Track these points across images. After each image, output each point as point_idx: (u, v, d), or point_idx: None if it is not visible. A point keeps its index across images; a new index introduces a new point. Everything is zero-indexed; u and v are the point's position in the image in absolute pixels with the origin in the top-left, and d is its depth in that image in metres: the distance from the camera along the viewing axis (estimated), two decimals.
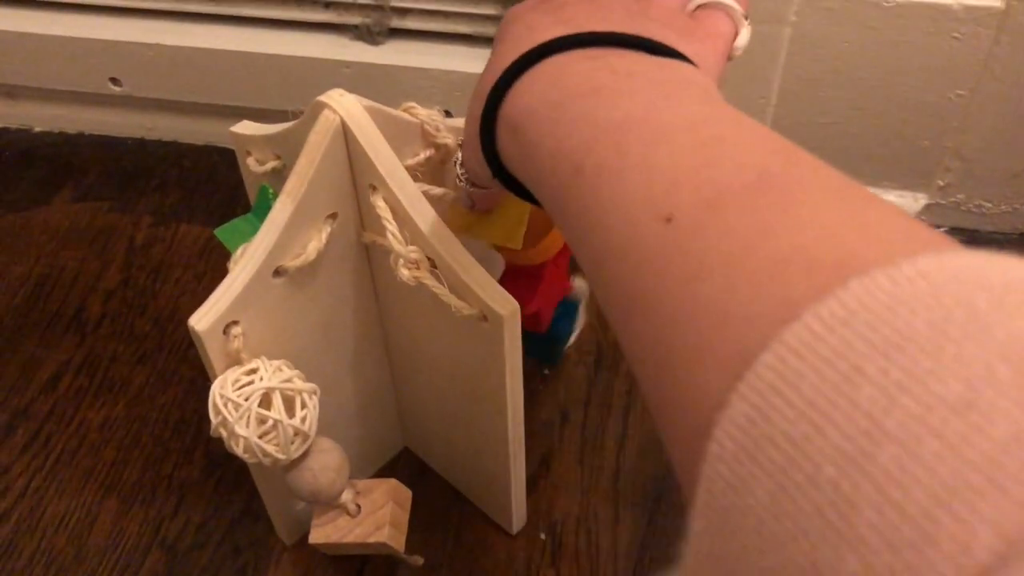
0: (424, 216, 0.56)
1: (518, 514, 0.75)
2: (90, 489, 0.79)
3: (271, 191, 0.62)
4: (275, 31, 0.98)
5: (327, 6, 0.95)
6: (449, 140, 0.61)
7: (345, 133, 0.56)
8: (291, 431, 0.58)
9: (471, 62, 0.93)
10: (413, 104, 0.60)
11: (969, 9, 0.81)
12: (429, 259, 0.57)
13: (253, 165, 0.66)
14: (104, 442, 0.82)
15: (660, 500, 0.78)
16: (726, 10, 0.48)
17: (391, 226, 0.56)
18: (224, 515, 0.77)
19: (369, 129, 0.56)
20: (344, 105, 0.55)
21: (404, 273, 0.57)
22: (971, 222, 0.97)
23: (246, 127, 0.67)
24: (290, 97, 0.97)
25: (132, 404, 0.85)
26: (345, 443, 0.66)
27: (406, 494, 0.65)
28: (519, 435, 0.67)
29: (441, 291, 0.56)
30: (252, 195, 0.71)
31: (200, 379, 0.86)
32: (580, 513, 0.77)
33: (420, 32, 0.95)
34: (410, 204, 0.56)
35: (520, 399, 0.64)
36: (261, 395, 0.57)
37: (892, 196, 0.97)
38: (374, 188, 0.57)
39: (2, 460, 0.81)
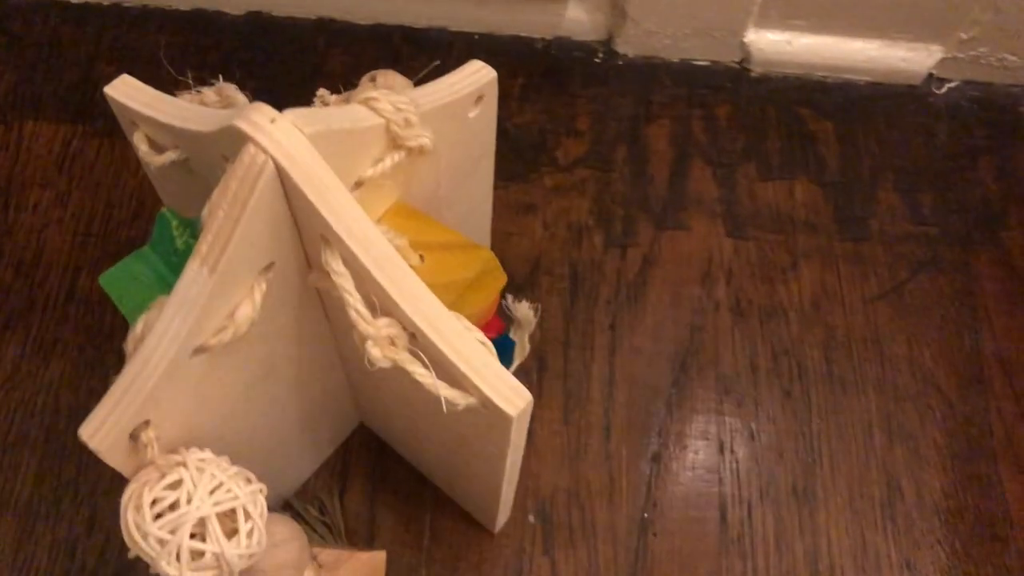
0: (399, 278, 0.40)
1: (503, 516, 0.64)
2: None
3: (174, 220, 0.44)
4: None
5: None
6: (424, 141, 0.43)
7: (281, 177, 0.38)
8: (235, 556, 0.44)
9: None
10: (374, 95, 0.41)
11: None
12: (408, 332, 0.41)
13: (144, 149, 0.47)
14: None
15: (657, 460, 0.68)
16: None
17: (353, 299, 0.40)
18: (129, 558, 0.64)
19: (315, 171, 0.38)
20: (278, 140, 0.37)
21: (374, 354, 0.41)
22: (987, 75, 0.84)
23: (129, 92, 0.46)
24: None
25: (9, 387, 0.68)
26: (290, 444, 0.53)
27: (380, 561, 0.54)
28: (513, 480, 0.55)
29: (426, 379, 0.41)
30: (157, 186, 0.52)
31: (89, 348, 0.70)
32: (570, 486, 0.67)
33: None
34: (378, 265, 0.40)
35: (518, 465, 0.51)
36: (193, 524, 0.42)
37: (902, 51, 0.81)
38: (326, 241, 0.40)
39: None
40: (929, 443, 0.70)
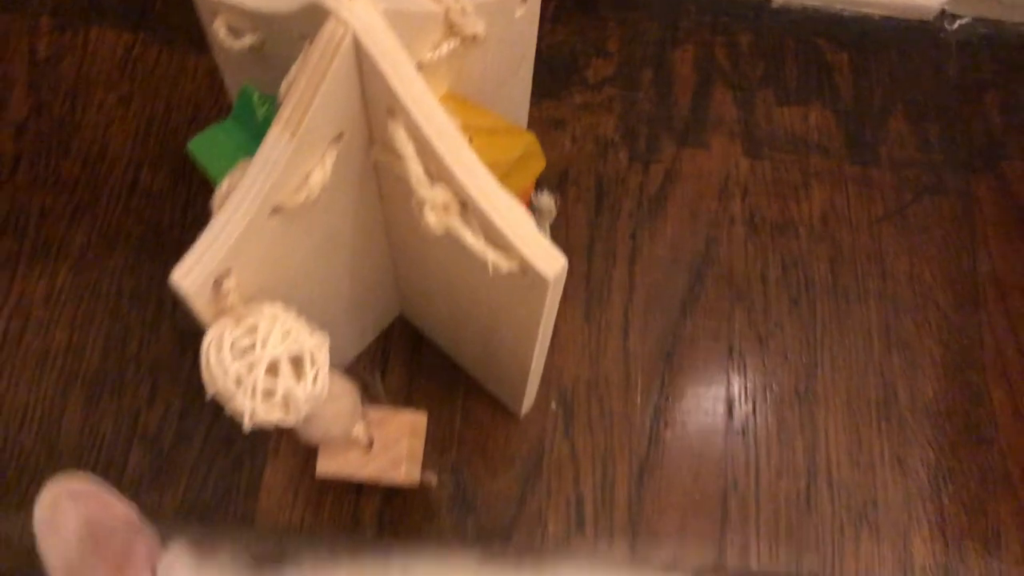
0: (455, 150, 0.45)
1: (528, 401, 0.70)
2: (48, 379, 0.71)
3: (255, 95, 0.49)
4: None
5: None
6: (479, 29, 0.48)
7: (356, 48, 0.43)
8: (301, 397, 0.50)
9: None
10: None
11: None
12: (460, 201, 0.47)
13: (223, 34, 0.52)
14: (53, 319, 0.72)
15: (671, 358, 0.74)
16: None
17: (414, 164, 0.45)
18: (207, 400, 0.70)
19: (389, 45, 0.43)
20: (357, 14, 0.42)
21: (430, 219, 0.47)
22: (997, 13, 0.88)
23: None
24: None
25: (77, 271, 0.74)
26: (339, 326, 0.59)
27: (421, 423, 0.60)
28: (543, 355, 0.61)
29: (474, 243, 0.47)
30: (227, 75, 0.57)
31: (150, 236, 0.75)
32: (590, 378, 0.73)
33: None
34: (438, 136, 0.45)
35: (551, 333, 0.57)
36: (267, 363, 0.48)
37: None
38: (392, 112, 0.45)
39: None
40: (924, 353, 0.75)
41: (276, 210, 0.48)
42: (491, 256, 0.47)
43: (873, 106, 0.84)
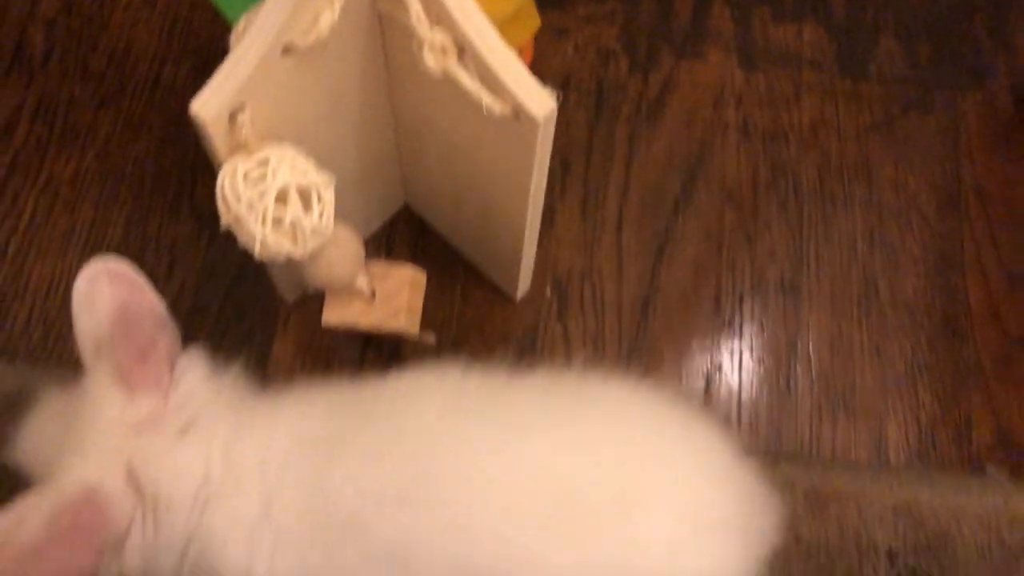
0: None
1: (524, 284, 0.74)
2: (72, 252, 0.75)
3: None
4: None
5: None
6: None
7: None
8: (309, 228, 0.54)
9: None
10: None
11: None
12: (457, 45, 0.51)
13: None
14: (79, 199, 0.77)
15: (662, 252, 0.78)
16: None
17: (415, 3, 0.49)
18: (221, 276, 0.75)
19: None
20: None
21: (429, 61, 0.51)
22: None
23: None
24: None
25: (102, 156, 0.78)
26: (346, 204, 0.62)
27: (421, 279, 0.64)
28: (536, 222, 0.64)
29: (470, 85, 0.51)
30: None
31: (172, 129, 0.80)
32: (584, 268, 0.77)
33: None
34: None
35: (542, 194, 0.60)
36: (277, 191, 0.52)
37: None
38: None
39: None
40: (907, 254, 0.79)
41: (287, 50, 0.52)
42: (486, 99, 0.51)
43: (865, 24, 0.87)
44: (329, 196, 0.55)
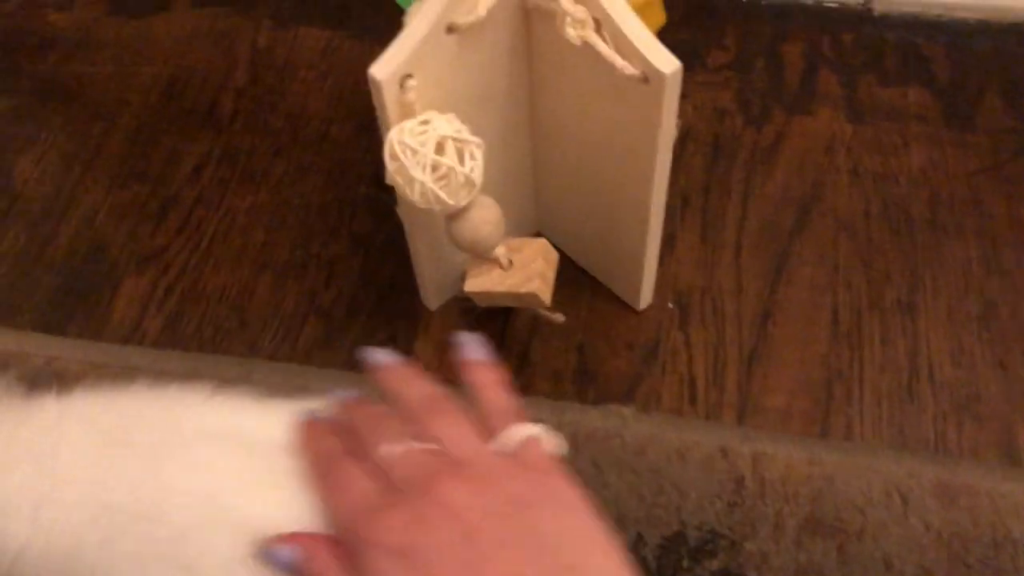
0: None
1: (646, 292, 0.79)
2: (245, 266, 0.85)
3: None
4: None
5: None
6: None
7: None
8: (462, 178, 0.62)
9: None
10: None
11: None
12: (595, 20, 0.60)
13: None
14: (252, 225, 0.88)
15: (780, 272, 0.82)
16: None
17: None
18: (372, 288, 0.83)
19: None
20: None
21: (570, 32, 0.60)
22: None
23: None
24: None
25: (274, 191, 0.90)
26: None
27: (553, 254, 0.70)
28: (660, 205, 0.70)
29: (606, 50, 0.59)
30: None
31: (336, 172, 0.91)
32: (704, 285, 0.82)
33: None
34: None
35: (667, 169, 0.67)
36: (436, 142, 0.61)
37: None
38: None
39: (160, 241, 0.87)
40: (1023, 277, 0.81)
41: (451, 28, 0.62)
42: (618, 62, 0.60)
43: (969, 87, 0.94)
44: (480, 155, 0.63)
